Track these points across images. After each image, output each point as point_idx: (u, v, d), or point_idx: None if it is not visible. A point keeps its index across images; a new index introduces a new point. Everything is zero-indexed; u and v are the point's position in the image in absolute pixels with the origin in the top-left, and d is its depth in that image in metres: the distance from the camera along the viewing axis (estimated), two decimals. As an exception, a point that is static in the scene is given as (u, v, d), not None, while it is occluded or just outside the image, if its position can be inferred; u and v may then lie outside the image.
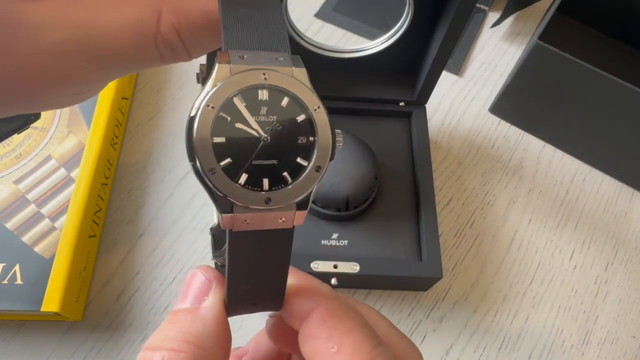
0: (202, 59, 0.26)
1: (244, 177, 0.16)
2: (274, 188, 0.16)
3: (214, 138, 0.16)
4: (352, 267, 0.37)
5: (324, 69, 0.43)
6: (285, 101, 0.17)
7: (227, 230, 0.16)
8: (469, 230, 0.46)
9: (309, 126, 0.17)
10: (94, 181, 0.41)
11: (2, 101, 0.19)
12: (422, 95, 0.45)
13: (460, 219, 0.47)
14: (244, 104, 0.16)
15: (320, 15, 0.58)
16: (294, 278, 0.19)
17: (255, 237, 0.17)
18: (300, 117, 0.17)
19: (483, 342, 0.41)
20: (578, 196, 0.49)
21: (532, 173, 0.50)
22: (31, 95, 0.19)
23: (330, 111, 0.18)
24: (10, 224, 0.38)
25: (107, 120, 0.43)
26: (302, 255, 0.38)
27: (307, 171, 0.17)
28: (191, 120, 0.16)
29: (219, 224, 0.16)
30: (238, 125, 0.16)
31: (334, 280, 0.38)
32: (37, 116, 0.30)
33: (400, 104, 0.46)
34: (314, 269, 0.37)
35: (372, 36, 0.55)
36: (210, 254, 0.42)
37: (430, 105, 0.51)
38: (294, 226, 0.17)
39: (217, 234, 0.21)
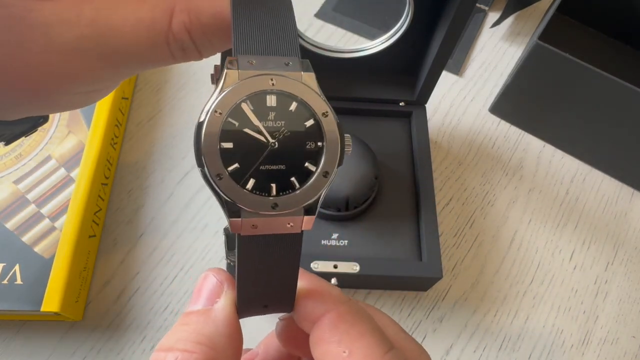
0: (217, 60, 0.26)
1: (251, 183, 0.16)
2: (281, 193, 0.16)
3: (222, 143, 0.16)
4: (352, 267, 0.37)
5: (324, 69, 0.43)
6: (293, 106, 0.17)
7: (236, 234, 0.16)
8: (469, 230, 0.46)
9: (317, 131, 0.17)
10: (94, 181, 0.41)
11: (10, 100, 0.19)
12: (422, 95, 0.45)
13: (460, 219, 0.47)
14: (252, 109, 0.16)
15: (320, 15, 0.58)
16: (304, 281, 0.19)
17: (264, 241, 0.17)
18: (309, 122, 0.17)
19: (483, 342, 0.41)
20: (578, 196, 0.49)
21: (532, 173, 0.50)
22: (39, 95, 0.19)
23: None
24: (10, 224, 0.38)
25: (107, 120, 0.43)
26: (302, 255, 0.37)
27: (314, 176, 0.17)
28: (199, 125, 0.16)
29: None
30: (246, 130, 0.16)
31: (334, 280, 0.38)
32: (45, 119, 0.29)
33: (400, 104, 0.46)
34: (314, 269, 0.37)
35: (372, 36, 0.55)
36: (209, 254, 0.42)
37: (430, 105, 0.51)
38: (302, 231, 0.17)
39: (230, 235, 0.21)
